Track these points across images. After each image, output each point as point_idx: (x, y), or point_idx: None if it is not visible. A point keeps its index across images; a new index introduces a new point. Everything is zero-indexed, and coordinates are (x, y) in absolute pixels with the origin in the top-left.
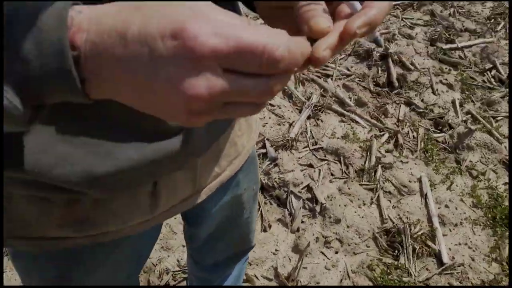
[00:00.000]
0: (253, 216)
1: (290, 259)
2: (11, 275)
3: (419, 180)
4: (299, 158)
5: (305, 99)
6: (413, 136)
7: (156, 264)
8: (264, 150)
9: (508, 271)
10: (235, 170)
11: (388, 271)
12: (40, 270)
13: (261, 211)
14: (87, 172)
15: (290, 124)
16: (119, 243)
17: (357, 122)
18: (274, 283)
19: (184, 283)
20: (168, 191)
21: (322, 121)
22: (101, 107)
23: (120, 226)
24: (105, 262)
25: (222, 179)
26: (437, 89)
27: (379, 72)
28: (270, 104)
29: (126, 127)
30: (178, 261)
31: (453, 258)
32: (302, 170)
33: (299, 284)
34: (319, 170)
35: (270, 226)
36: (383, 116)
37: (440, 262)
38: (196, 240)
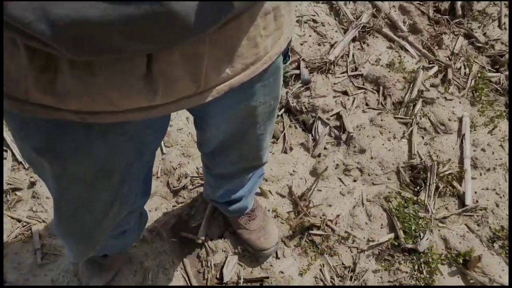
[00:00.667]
0: (266, 133)
1: (306, 180)
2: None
3: (460, 120)
4: (334, 83)
5: (354, 18)
6: (465, 73)
7: (176, 168)
8: (297, 71)
9: None
10: (250, 76)
11: (405, 204)
12: (28, 137)
13: (284, 133)
14: (43, 11)
15: (332, 45)
16: (116, 127)
17: (406, 50)
18: (286, 200)
19: (201, 189)
20: (166, 80)
21: (368, 45)
22: None
23: (110, 108)
24: (99, 143)
25: (232, 83)
26: (504, 23)
27: None
28: (313, 20)
29: None
30: (197, 168)
31: (477, 201)
32: (335, 97)
33: (310, 205)
34: (354, 98)
35: (291, 149)
36: (436, 47)
37: (462, 204)
38: (206, 146)
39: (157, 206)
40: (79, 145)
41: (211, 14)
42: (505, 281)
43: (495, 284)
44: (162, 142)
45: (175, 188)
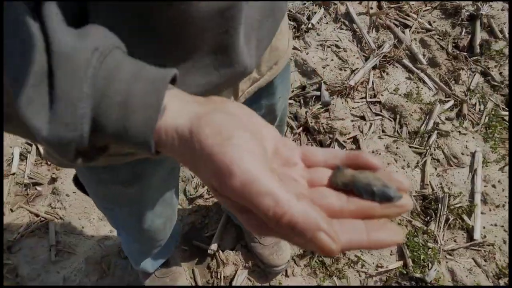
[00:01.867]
0: (283, 126)
1: None
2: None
3: (473, 155)
4: (353, 108)
5: (376, 46)
6: (479, 109)
7: (194, 176)
8: (318, 93)
9: None
10: (274, 75)
11: (415, 233)
12: (115, 173)
13: None
14: None
15: (353, 71)
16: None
17: (424, 82)
18: None
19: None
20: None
21: (387, 73)
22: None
23: None
24: (152, 176)
25: (260, 84)
26: None
27: (463, 33)
28: (336, 46)
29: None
30: None
31: (485, 236)
32: (352, 121)
33: None
34: (371, 124)
35: None
36: (453, 82)
37: (470, 237)
38: None
39: None
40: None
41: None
42: None
43: None
44: None
45: (191, 196)
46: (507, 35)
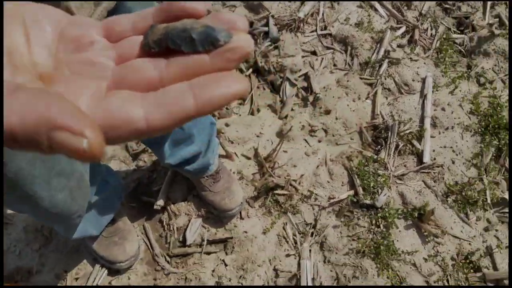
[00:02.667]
0: None
1: (272, 142)
2: None
3: (423, 80)
4: (304, 43)
5: None
6: (431, 34)
7: None
8: (266, 28)
9: (484, 175)
10: None
11: (366, 163)
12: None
13: (251, 94)
14: None
15: (302, 2)
16: None
17: (376, 9)
18: (252, 162)
19: None
20: None
21: (338, 3)
22: None
23: None
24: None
25: None
26: None
27: None
28: None
29: None
30: None
31: (434, 159)
32: (303, 57)
33: (276, 166)
34: (322, 58)
35: (258, 110)
36: (405, 8)
37: (420, 161)
38: None
39: (116, 170)
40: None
41: None
42: (456, 233)
43: (403, 258)
44: None
45: (134, 152)
46: None
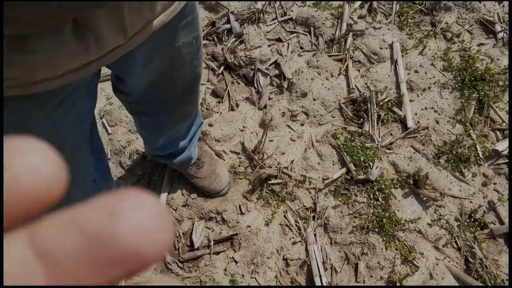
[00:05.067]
0: (195, 72)
1: (257, 134)
2: None
3: (391, 46)
4: (267, 32)
5: None
6: None
7: (126, 146)
8: (228, 26)
9: (471, 129)
10: (171, 16)
11: (352, 138)
12: None
13: (228, 91)
14: None
15: None
16: (52, 99)
17: None
18: (241, 157)
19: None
20: (96, 35)
21: None
22: None
23: (48, 74)
24: (41, 116)
25: (155, 25)
26: None
27: None
28: None
29: None
30: None
31: (418, 122)
32: (269, 45)
33: (264, 156)
34: (288, 44)
35: (237, 105)
36: None
37: (405, 127)
38: (134, 92)
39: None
40: (22, 121)
41: None
42: (455, 193)
43: (407, 227)
44: (106, 122)
45: (128, 167)
46: None
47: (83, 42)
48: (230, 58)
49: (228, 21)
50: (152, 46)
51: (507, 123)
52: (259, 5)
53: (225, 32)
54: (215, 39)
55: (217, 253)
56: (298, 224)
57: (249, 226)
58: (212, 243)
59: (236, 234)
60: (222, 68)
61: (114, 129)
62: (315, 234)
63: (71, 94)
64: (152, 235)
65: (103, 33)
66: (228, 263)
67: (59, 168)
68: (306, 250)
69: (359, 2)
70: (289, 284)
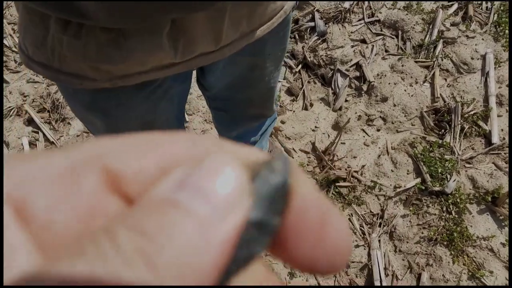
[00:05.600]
0: (275, 82)
1: (329, 135)
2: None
3: (483, 57)
4: (352, 32)
5: None
6: (487, 8)
7: (200, 135)
8: (312, 24)
9: None
10: (266, 32)
11: (431, 148)
12: (76, 94)
13: (303, 90)
14: None
15: None
16: (149, 83)
17: None
18: (311, 156)
19: None
20: (187, 38)
21: None
22: None
23: (139, 68)
24: (138, 98)
25: (249, 39)
26: None
27: None
28: None
29: None
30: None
31: (504, 139)
32: (353, 46)
33: (335, 158)
34: (372, 46)
35: (311, 105)
36: None
37: (488, 142)
38: (213, 88)
39: None
40: (121, 102)
41: None
42: None
43: (496, 284)
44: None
45: None
46: None
47: (174, 44)
48: (310, 57)
49: (313, 19)
50: (237, 52)
51: None
52: (347, 4)
53: (307, 30)
54: (297, 36)
55: None
56: (362, 229)
57: None
58: None
59: None
60: (299, 66)
61: (191, 117)
62: (379, 240)
63: (166, 79)
64: None
65: (196, 39)
66: None
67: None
68: (369, 254)
69: (453, 9)
70: (347, 284)
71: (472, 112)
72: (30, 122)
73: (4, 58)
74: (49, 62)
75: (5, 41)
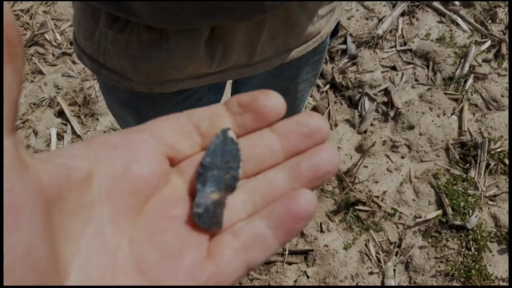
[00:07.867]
0: (303, 103)
1: (351, 157)
2: None
3: None
4: (383, 58)
5: None
6: None
7: None
8: (344, 46)
9: None
10: (301, 54)
11: (454, 182)
12: (114, 90)
13: (329, 110)
14: None
15: (380, 20)
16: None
17: (457, 24)
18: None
19: None
20: (224, 47)
21: (417, 19)
22: None
23: (176, 75)
24: (174, 102)
25: (284, 58)
26: None
27: None
28: None
29: None
30: None
31: None
32: (383, 72)
33: (356, 181)
34: (402, 73)
35: (336, 125)
36: (489, 21)
37: None
38: None
39: None
40: (156, 104)
41: None
42: None
43: (496, 284)
44: None
45: None
46: None
47: (211, 52)
48: (339, 78)
49: (345, 42)
50: (271, 72)
51: None
52: (380, 31)
53: (338, 52)
54: (327, 57)
55: (290, 263)
56: (378, 256)
57: (326, 246)
58: (286, 252)
59: (312, 250)
60: (327, 86)
61: None
62: (394, 270)
63: (200, 89)
64: None
65: (232, 49)
66: (299, 276)
67: None
68: (382, 282)
69: (486, 45)
70: None
71: (499, 150)
72: (60, 114)
73: (43, 51)
74: (96, 55)
75: (46, 35)
